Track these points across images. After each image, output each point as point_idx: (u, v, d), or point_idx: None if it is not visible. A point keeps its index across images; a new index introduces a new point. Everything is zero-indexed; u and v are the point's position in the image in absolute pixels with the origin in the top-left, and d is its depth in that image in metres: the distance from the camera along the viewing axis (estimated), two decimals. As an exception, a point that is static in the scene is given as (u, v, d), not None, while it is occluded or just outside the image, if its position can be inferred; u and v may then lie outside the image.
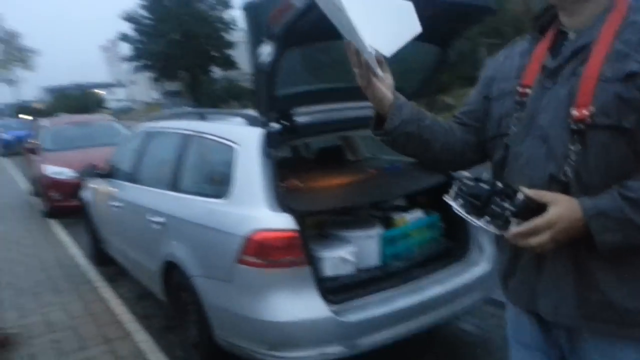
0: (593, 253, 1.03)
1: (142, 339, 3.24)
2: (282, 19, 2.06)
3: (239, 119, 2.93)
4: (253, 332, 2.37)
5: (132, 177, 3.83)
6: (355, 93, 1.33)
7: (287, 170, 2.94)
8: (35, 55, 24.50)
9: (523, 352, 1.29)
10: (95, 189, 4.65)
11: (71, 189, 6.83)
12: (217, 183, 2.76)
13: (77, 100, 52.07)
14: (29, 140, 10.27)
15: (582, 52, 1.09)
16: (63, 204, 7.00)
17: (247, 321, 2.36)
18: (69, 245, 5.75)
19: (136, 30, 38.08)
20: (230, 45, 36.42)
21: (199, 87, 37.23)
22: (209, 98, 33.89)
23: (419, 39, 1.15)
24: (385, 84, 1.20)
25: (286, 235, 2.29)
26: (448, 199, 1.09)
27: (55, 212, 7.13)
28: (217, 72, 38.97)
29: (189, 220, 2.85)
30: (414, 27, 1.15)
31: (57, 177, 7.14)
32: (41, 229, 6.66)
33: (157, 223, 3.09)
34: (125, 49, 40.73)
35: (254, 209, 2.40)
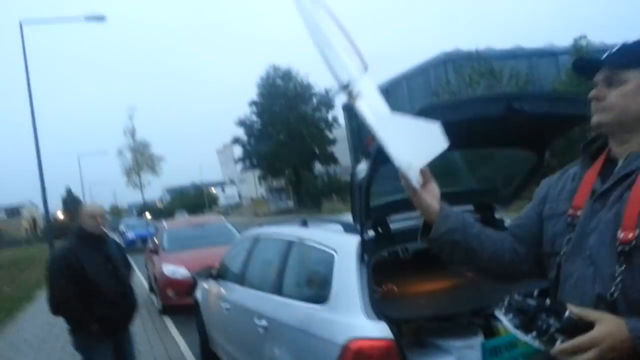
0: None
1: None
2: (373, 143, 2.25)
3: (337, 226, 3.09)
4: None
5: (240, 279, 4.08)
6: (447, 197, 1.42)
7: (384, 274, 2.99)
8: (161, 162, 27.69)
9: None
10: (207, 289, 4.99)
11: (185, 287, 7.36)
12: (317, 288, 2.88)
13: (193, 198, 57.04)
14: (151, 240, 11.33)
15: (628, 178, 1.15)
16: (177, 302, 7.50)
17: None
18: (180, 342, 6.08)
19: (247, 133, 41.76)
20: (332, 142, 38.49)
21: (302, 183, 38.98)
22: (310, 193, 35.29)
23: (516, 145, 1.28)
24: (430, 195, 1.31)
25: (382, 344, 2.30)
26: (498, 313, 1.11)
27: (169, 309, 7.63)
28: (318, 167, 40.83)
29: (290, 324, 2.96)
30: (441, 144, 1.32)
31: (173, 276, 7.72)
32: (156, 326, 7.13)
33: (261, 326, 3.24)
34: (238, 150, 44.61)
35: (351, 316, 2.46)
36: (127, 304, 3.64)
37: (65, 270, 3.37)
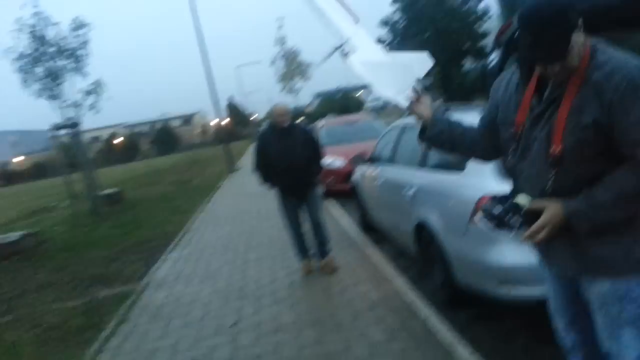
0: (579, 233, 1.58)
1: (400, 283, 4.21)
2: (506, 32, 2.69)
3: (475, 110, 3.60)
4: (485, 273, 3.05)
5: (391, 160, 4.87)
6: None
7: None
8: (310, 68, 29.03)
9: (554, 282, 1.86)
10: (363, 173, 5.90)
11: (342, 175, 8.54)
12: (455, 160, 3.49)
13: (340, 102, 58.88)
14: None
15: (555, 101, 1.55)
16: (335, 188, 8.77)
17: (480, 265, 3.05)
18: (342, 217, 7.25)
19: (391, 33, 40.83)
20: (482, 36, 35.93)
21: (451, 81, 37.63)
22: (460, 90, 34.10)
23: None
24: (422, 107, 1.93)
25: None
26: (479, 222, 1.68)
27: (329, 194, 8.90)
28: (467, 64, 38.74)
29: (434, 190, 3.68)
30: (427, 66, 2.00)
31: (331, 166, 8.89)
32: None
33: (409, 194, 4.01)
34: (382, 52, 43.93)
35: (483, 180, 3.07)
36: (299, 176, 4.72)
37: (258, 148, 4.82)
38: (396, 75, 1.90)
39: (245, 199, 10.88)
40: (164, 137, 76.33)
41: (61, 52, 11.12)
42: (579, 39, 1.47)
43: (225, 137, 23.55)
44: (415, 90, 1.92)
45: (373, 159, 5.50)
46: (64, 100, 11.29)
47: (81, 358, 3.67)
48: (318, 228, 4.93)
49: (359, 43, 1.94)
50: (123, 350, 3.71)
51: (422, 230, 3.82)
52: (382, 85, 1.93)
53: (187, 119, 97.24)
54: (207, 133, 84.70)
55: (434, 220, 3.57)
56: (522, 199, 1.62)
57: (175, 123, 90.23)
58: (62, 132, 11.25)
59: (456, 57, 38.28)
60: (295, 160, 4.64)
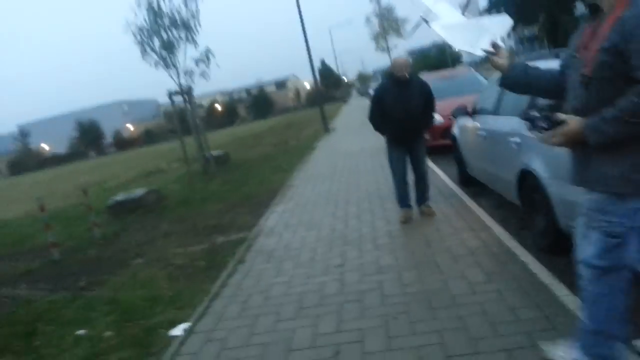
0: (591, 147, 1.86)
1: (500, 231, 4.25)
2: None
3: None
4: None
5: (495, 111, 4.81)
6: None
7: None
8: (405, 24, 28.25)
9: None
10: (464, 125, 5.87)
11: (439, 131, 8.46)
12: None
13: (435, 58, 56.68)
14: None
15: (595, 36, 1.85)
16: (433, 144, 8.69)
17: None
18: (440, 173, 7.27)
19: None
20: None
21: (559, 29, 34.63)
22: (569, 39, 31.27)
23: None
24: (500, 58, 2.23)
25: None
26: (519, 123, 2.07)
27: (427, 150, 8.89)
28: (580, 8, 35.34)
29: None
30: (507, 25, 2.37)
31: (430, 121, 8.82)
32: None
33: (514, 143, 3.99)
34: (483, 0, 41.53)
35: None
36: (411, 126, 5.01)
37: (374, 98, 5.19)
38: (473, 34, 2.30)
39: (340, 158, 11.19)
40: (259, 102, 78.89)
41: (175, 23, 11.90)
42: None
43: (319, 99, 23.92)
44: (494, 44, 2.25)
45: (475, 112, 5.45)
46: (178, 69, 12.16)
47: (209, 290, 4.19)
48: (421, 178, 5.19)
49: (440, 11, 2.40)
50: (244, 285, 4.18)
51: (526, 178, 3.81)
52: (461, 44, 2.33)
53: (281, 84, 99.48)
54: (300, 96, 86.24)
55: (539, 166, 3.55)
56: (557, 114, 1.96)
57: (270, 88, 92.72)
58: (176, 98, 12.14)
59: (566, 1, 35.09)
60: (411, 110, 4.86)
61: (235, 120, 74.30)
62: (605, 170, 1.89)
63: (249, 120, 74.20)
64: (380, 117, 5.09)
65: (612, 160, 1.86)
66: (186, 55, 12.20)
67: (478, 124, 5.23)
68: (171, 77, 12.04)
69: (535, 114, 2.00)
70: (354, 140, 14.56)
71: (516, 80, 2.24)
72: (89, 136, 71.16)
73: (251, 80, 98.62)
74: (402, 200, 5.23)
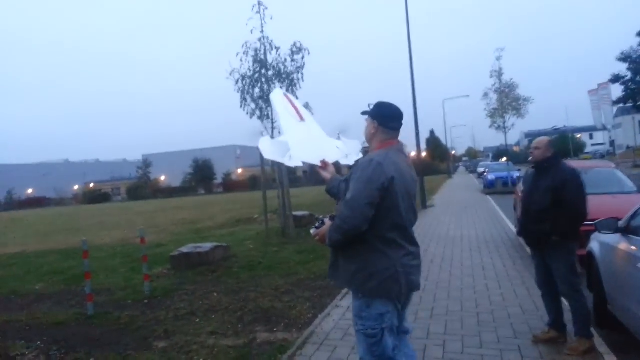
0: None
1: None
2: None
3: None
4: None
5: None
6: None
7: None
8: (528, 104, 26.18)
9: None
10: (610, 244, 4.21)
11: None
12: None
13: (555, 144, 52.76)
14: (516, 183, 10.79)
15: None
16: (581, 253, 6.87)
17: None
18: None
19: (631, 69, 35.06)
20: None
21: None
22: None
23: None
24: (326, 172, 2.86)
25: None
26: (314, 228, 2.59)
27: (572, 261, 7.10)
28: None
29: None
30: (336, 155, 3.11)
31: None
32: (525, 264, 6.76)
33: None
34: (617, 90, 38.21)
35: None
36: (532, 225, 4.07)
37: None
38: (315, 148, 3.01)
39: (435, 244, 9.64)
40: (363, 164, 78.48)
41: (279, 75, 11.52)
42: None
43: (421, 170, 22.51)
44: (322, 161, 2.87)
45: (631, 229, 3.82)
46: (273, 122, 11.64)
47: None
48: (556, 298, 4.13)
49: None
50: None
51: None
52: (300, 154, 2.89)
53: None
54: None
55: None
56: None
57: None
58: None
59: None
60: (532, 204, 4.05)
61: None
62: (343, 269, 2.48)
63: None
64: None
65: (347, 261, 2.46)
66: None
67: (635, 248, 3.59)
68: (265, 129, 11.51)
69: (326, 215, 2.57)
70: (454, 223, 12.90)
71: (333, 190, 2.74)
72: (201, 174, 75.28)
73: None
74: (549, 314, 4.24)
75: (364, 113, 2.72)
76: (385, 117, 2.60)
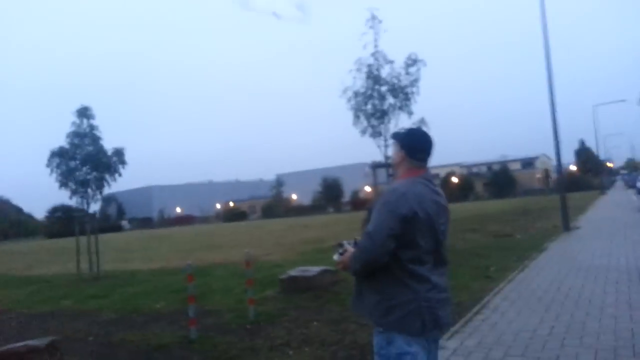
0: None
1: None
2: None
3: None
4: None
5: None
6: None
7: None
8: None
9: None
10: None
11: None
12: None
13: None
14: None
15: None
16: None
17: None
18: None
19: None
20: None
21: None
22: None
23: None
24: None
25: None
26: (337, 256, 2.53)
27: None
28: None
29: None
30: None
31: None
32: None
33: None
34: None
35: None
36: None
37: None
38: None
39: (575, 276, 8.28)
40: (500, 179, 73.77)
41: (393, 90, 11.14)
42: None
43: (565, 186, 20.16)
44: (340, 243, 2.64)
45: None
46: (386, 139, 11.24)
47: None
48: None
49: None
50: None
51: None
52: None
53: (528, 163, 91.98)
54: (549, 179, 77.84)
55: None
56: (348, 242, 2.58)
57: (515, 166, 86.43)
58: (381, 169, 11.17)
59: None
60: None
61: (469, 195, 70.97)
62: (367, 299, 2.40)
63: (485, 197, 69.95)
64: None
65: (370, 291, 2.38)
66: (397, 125, 11.17)
67: None
68: (378, 147, 11.12)
69: (350, 240, 2.53)
70: (601, 249, 11.12)
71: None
72: (330, 193, 77.00)
73: (494, 156, 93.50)
74: None
75: (393, 137, 2.66)
76: (413, 149, 2.50)
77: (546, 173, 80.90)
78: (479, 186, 76.20)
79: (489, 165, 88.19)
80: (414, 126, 11.52)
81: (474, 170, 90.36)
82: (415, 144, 2.51)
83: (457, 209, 34.74)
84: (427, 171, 2.53)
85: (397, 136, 2.63)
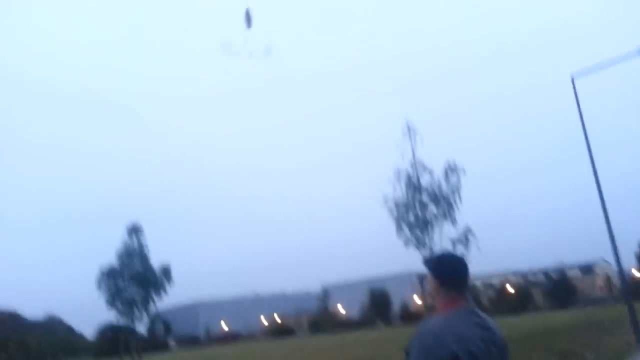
0: None
1: None
2: None
3: None
4: None
5: None
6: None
7: None
8: None
9: None
10: None
11: None
12: None
13: None
14: None
15: None
16: None
17: None
18: None
19: None
20: None
21: None
22: None
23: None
24: None
25: None
26: None
27: None
28: None
29: None
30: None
31: None
32: None
33: None
34: None
35: None
36: None
37: None
38: None
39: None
40: (559, 288, 69.40)
41: (435, 198, 11.12)
42: None
43: (631, 294, 18.68)
44: None
45: None
46: (431, 249, 10.97)
47: None
48: None
49: None
50: None
51: None
52: None
53: (587, 269, 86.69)
54: (612, 286, 72.60)
55: None
56: None
57: (573, 272, 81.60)
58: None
59: None
60: None
61: (528, 305, 66.67)
62: None
63: (545, 308, 65.47)
64: None
65: None
66: (442, 234, 10.96)
67: None
68: (423, 257, 10.81)
69: None
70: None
71: None
72: (378, 305, 74.24)
73: (550, 261, 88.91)
74: None
75: (424, 264, 2.50)
76: (446, 277, 2.34)
77: (608, 280, 75.71)
78: (536, 294, 71.75)
79: (545, 272, 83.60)
80: (447, 249, 11.25)
81: (530, 278, 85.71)
82: (448, 271, 2.34)
83: (517, 324, 32.40)
84: (467, 300, 2.31)
85: (427, 264, 2.47)
